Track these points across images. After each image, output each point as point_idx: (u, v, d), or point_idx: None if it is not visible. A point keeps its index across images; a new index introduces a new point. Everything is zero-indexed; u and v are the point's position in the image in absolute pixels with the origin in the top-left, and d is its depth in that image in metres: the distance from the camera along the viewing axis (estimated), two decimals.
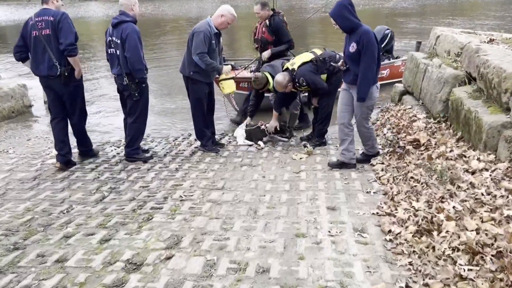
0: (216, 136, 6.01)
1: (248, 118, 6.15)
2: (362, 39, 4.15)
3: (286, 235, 3.24)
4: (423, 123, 5.57)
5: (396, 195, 3.77)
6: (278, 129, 5.88)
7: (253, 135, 5.98)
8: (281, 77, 5.31)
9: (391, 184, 4.09)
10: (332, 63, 5.13)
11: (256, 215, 3.62)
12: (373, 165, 4.72)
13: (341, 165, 4.64)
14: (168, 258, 2.95)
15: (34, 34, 4.67)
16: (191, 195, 4.09)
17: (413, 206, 3.40)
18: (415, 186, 3.78)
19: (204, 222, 3.50)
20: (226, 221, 3.51)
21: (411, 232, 3.08)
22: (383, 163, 4.71)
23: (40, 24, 4.65)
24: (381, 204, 3.69)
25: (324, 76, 5.25)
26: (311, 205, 3.76)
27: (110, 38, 4.91)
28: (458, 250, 2.68)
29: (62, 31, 4.61)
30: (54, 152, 5.79)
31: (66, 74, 4.73)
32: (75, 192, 4.32)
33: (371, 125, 4.89)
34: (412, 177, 3.98)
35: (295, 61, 5.33)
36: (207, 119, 5.59)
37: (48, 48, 4.66)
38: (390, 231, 3.18)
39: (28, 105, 8.65)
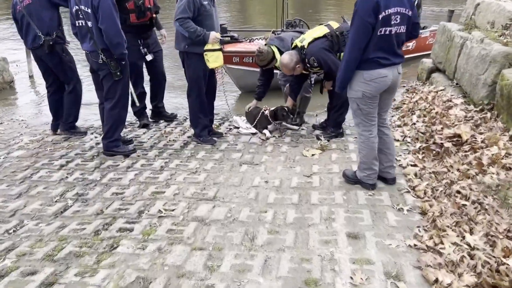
0: (214, 122, 5.12)
1: (254, 101, 5.19)
2: (355, 7, 2.99)
3: (292, 281, 2.37)
4: (462, 110, 4.60)
5: (438, 217, 2.86)
6: (286, 111, 4.92)
7: (258, 122, 5.06)
8: (287, 57, 4.32)
9: (429, 198, 3.17)
10: (344, 34, 4.16)
11: (253, 244, 2.74)
12: (403, 167, 3.79)
13: (355, 180, 3.54)
14: None
15: (18, 10, 4.63)
16: (173, 210, 3.22)
17: (466, 242, 2.49)
18: (465, 206, 2.86)
19: (183, 256, 2.63)
20: (212, 255, 2.63)
21: (467, 286, 2.18)
22: (415, 165, 3.77)
23: None
24: (419, 230, 2.78)
25: (343, 55, 4.25)
26: (327, 230, 2.87)
27: (76, 7, 3.96)
28: None
29: None
30: (25, 141, 4.99)
31: (50, 43, 4.57)
32: (32, 199, 3.49)
33: (370, 134, 3.29)
34: (458, 192, 3.05)
35: (305, 37, 4.30)
36: (205, 103, 4.65)
37: (30, 19, 4.55)
38: (436, 280, 2.29)
39: (10, 81, 7.81)
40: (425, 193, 3.25)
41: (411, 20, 3.11)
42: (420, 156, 3.94)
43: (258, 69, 6.60)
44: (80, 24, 4.05)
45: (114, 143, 4.41)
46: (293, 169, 3.92)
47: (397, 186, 3.46)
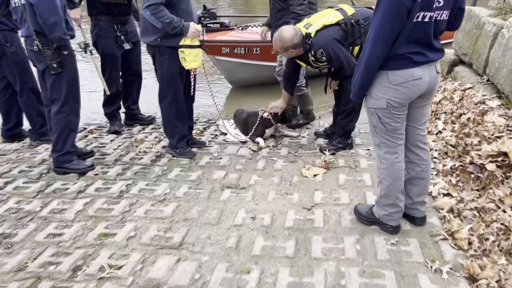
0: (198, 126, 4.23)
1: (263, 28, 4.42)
2: None
3: None
4: (501, 116, 3.68)
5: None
6: (279, 114, 4.03)
7: (255, 129, 4.12)
8: (291, 32, 3.30)
9: (477, 252, 2.27)
10: (360, 23, 3.25)
11: None
12: (434, 197, 2.88)
13: (372, 219, 2.63)
14: None
15: None
16: (121, 266, 2.33)
17: None
18: None
19: None
20: None
21: None
22: (449, 194, 2.87)
23: None
24: None
25: (356, 49, 3.31)
26: None
27: None
28: None
29: None
30: None
31: None
32: None
33: (396, 158, 2.37)
34: None
35: (312, 22, 3.31)
36: (183, 108, 3.72)
37: None
38: None
39: None
40: (469, 244, 2.35)
41: (458, 3, 2.18)
42: (454, 180, 3.04)
43: (251, 62, 5.71)
44: (16, 4, 3.17)
45: (65, 158, 3.51)
46: (289, 197, 3.02)
47: (428, 229, 2.55)
